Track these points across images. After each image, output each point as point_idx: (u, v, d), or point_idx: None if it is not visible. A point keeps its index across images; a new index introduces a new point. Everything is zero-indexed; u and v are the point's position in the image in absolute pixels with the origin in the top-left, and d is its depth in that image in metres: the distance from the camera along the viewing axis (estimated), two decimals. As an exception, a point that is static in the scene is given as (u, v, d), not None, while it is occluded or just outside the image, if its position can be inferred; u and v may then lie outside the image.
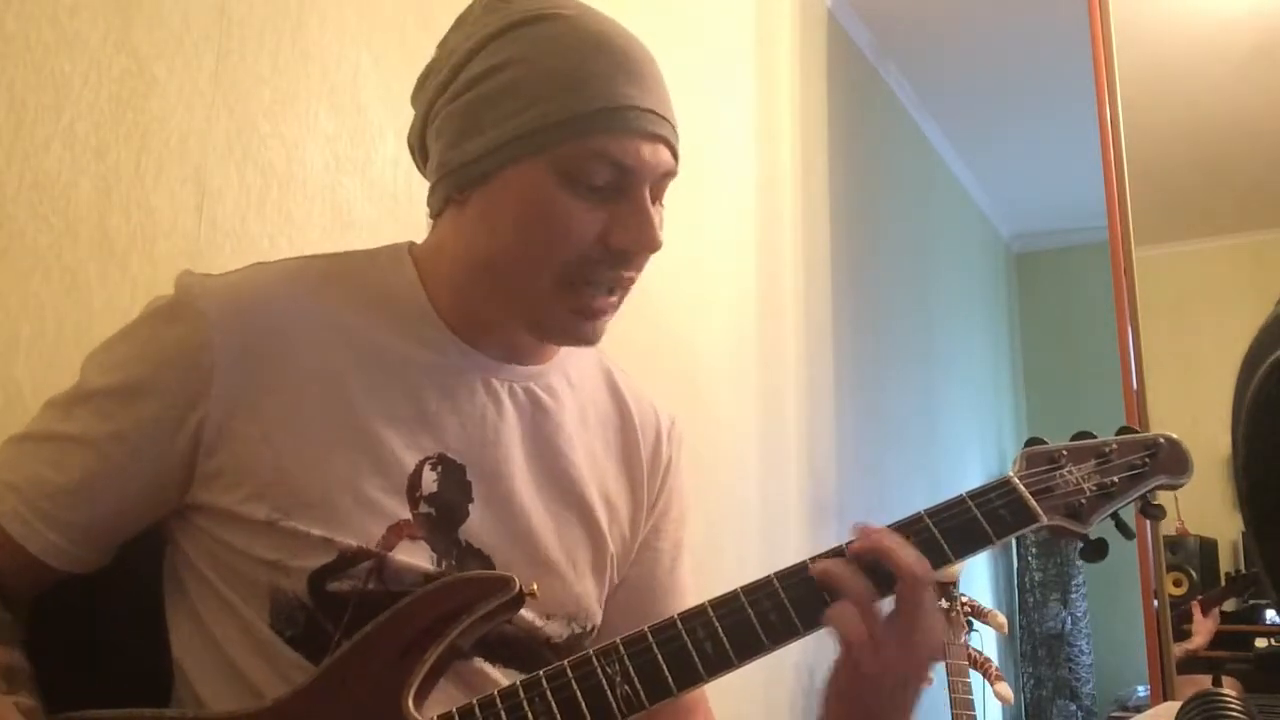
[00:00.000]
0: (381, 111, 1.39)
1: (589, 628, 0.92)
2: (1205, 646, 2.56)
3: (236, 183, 1.20)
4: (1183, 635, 2.54)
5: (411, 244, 0.94)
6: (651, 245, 0.83)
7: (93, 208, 1.05)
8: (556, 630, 0.89)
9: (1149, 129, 2.66)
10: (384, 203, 1.38)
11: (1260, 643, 2.69)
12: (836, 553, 0.81)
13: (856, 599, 0.77)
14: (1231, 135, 3.00)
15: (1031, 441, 0.93)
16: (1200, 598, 2.65)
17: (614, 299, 0.87)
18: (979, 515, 0.84)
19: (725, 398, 2.26)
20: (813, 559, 0.81)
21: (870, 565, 0.79)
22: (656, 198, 0.86)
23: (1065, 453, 0.90)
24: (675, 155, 0.86)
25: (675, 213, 1.96)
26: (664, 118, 0.84)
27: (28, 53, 1.00)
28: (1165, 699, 2.20)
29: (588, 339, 0.87)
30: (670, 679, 0.75)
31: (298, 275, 0.88)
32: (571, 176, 0.81)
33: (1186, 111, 2.95)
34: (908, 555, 0.78)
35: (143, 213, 1.10)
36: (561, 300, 0.84)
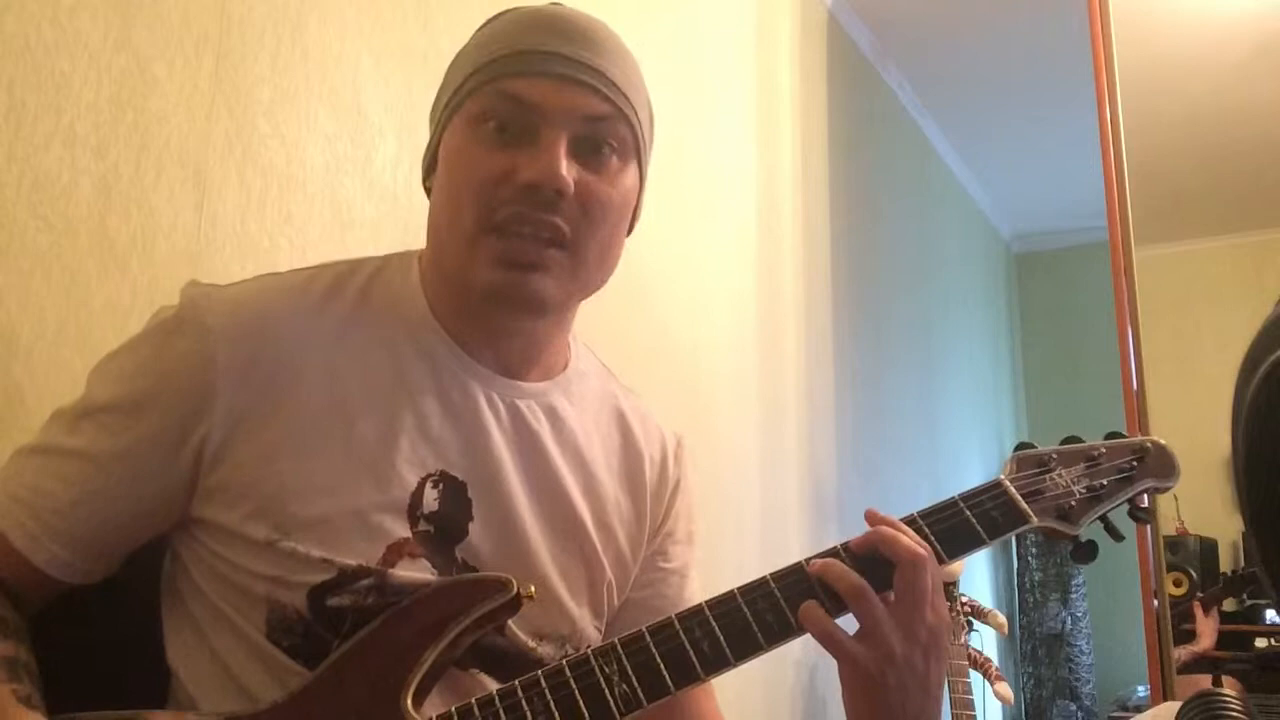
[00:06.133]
0: (381, 111, 1.39)
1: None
2: (1213, 647, 2.55)
3: (236, 183, 1.20)
4: (1183, 635, 2.54)
5: (421, 251, 0.93)
6: (552, 179, 0.79)
7: (93, 208, 1.05)
8: (549, 653, 0.88)
9: (1149, 129, 2.66)
10: (384, 203, 1.38)
11: (1260, 643, 2.68)
12: (833, 552, 0.82)
13: (848, 593, 0.78)
14: (1232, 135, 2.99)
15: (1021, 446, 0.94)
16: (1200, 596, 2.64)
17: (546, 252, 0.82)
18: (971, 517, 0.85)
19: (725, 398, 2.26)
20: (808, 559, 0.81)
21: (869, 559, 0.80)
22: (593, 147, 0.84)
23: (1055, 456, 0.92)
24: (612, 102, 0.83)
25: (675, 213, 1.97)
26: (585, 63, 0.82)
27: (28, 53, 1.00)
28: (1165, 699, 2.20)
29: (522, 296, 0.82)
30: (668, 678, 0.76)
31: (305, 288, 0.87)
32: (479, 121, 0.83)
33: (1187, 112, 2.95)
34: (903, 542, 0.79)
35: (143, 213, 1.10)
36: (486, 249, 0.81)
